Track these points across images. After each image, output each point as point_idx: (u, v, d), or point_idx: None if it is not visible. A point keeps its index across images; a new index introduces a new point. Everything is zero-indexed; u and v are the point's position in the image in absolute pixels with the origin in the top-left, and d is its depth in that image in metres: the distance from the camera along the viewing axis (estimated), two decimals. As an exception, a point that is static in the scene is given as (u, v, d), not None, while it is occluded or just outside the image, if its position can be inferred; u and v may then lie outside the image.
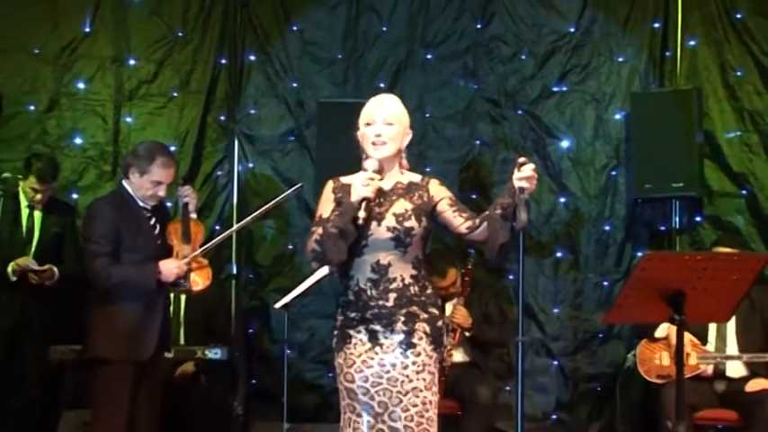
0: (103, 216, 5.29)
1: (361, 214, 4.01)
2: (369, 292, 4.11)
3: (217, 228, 7.17)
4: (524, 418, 3.99)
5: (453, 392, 6.20)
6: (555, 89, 7.15)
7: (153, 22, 7.38)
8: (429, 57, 7.30)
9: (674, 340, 5.65)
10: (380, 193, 4.15)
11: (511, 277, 7.01)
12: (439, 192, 4.21)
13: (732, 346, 6.05)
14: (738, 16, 6.82)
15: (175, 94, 7.35)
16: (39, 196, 6.39)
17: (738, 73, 6.81)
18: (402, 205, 4.14)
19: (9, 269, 6.19)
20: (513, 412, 6.53)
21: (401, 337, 4.09)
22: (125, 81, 7.32)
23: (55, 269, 6.28)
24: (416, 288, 4.13)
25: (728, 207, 6.79)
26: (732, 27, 6.84)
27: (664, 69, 7.02)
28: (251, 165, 7.39)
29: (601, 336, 6.97)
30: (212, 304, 6.68)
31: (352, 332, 4.15)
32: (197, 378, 6.37)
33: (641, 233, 6.99)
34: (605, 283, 7.01)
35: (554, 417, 6.98)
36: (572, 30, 7.15)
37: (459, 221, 4.14)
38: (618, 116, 7.06)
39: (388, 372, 4.08)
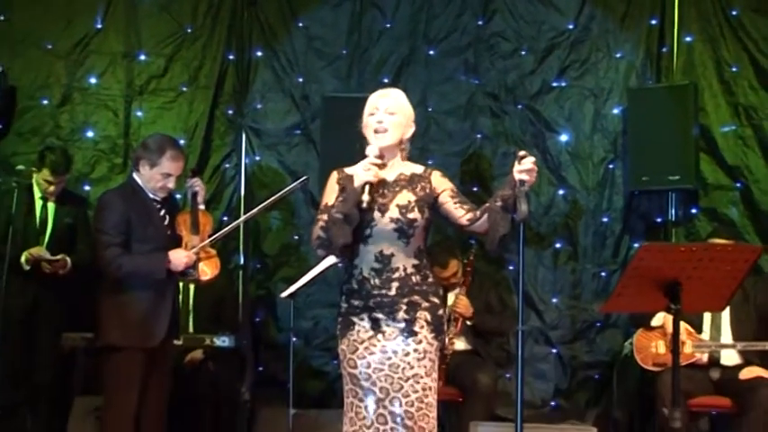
0: (114, 207, 5.30)
1: (365, 198, 4.02)
2: (372, 281, 4.11)
3: (225, 219, 7.18)
4: (524, 405, 3.98)
5: (455, 380, 6.21)
6: (554, 84, 7.13)
7: (163, 18, 7.38)
8: (431, 53, 7.29)
9: (669, 329, 5.63)
10: (384, 183, 4.15)
11: (511, 268, 7.00)
12: (441, 183, 4.20)
13: (726, 335, 6.04)
14: (734, 13, 6.79)
15: (185, 89, 7.35)
16: (52, 188, 6.40)
17: (733, 68, 6.78)
18: (405, 197, 4.13)
19: (23, 259, 6.20)
20: (512, 399, 6.53)
21: (403, 325, 4.09)
22: (136, 76, 7.33)
23: (68, 259, 6.29)
24: (418, 277, 4.14)
25: (723, 199, 6.77)
26: (727, 23, 6.81)
27: (660, 65, 6.99)
28: (258, 158, 7.38)
29: (598, 325, 6.96)
30: (220, 293, 6.68)
31: (355, 319, 4.15)
32: (205, 365, 6.37)
33: (638, 225, 6.97)
34: (603, 274, 7.00)
35: (553, 403, 6.97)
36: (571, 26, 7.13)
37: (461, 213, 4.14)
38: (615, 111, 7.03)
39: (389, 358, 4.08)
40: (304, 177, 6.08)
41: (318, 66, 7.38)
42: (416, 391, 4.06)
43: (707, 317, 6.06)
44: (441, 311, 4.19)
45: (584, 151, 7.07)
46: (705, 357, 5.99)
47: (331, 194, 4.21)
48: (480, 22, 7.24)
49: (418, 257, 4.16)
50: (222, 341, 6.22)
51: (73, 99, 7.26)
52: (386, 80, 7.11)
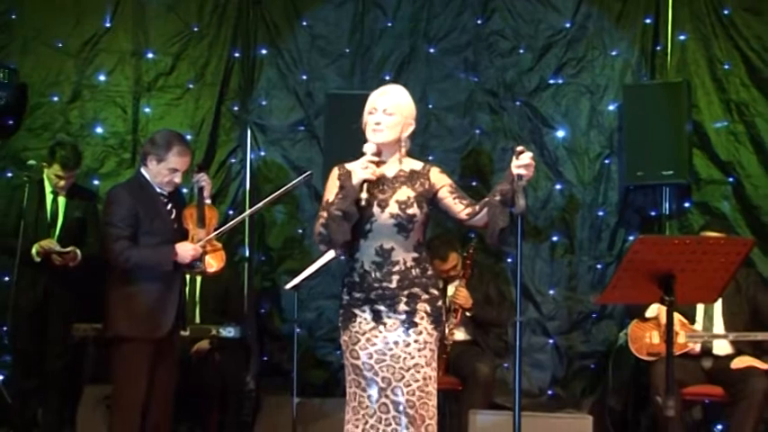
0: (123, 201, 5.28)
1: (363, 196, 4.03)
2: (373, 275, 4.12)
3: (230, 213, 7.17)
4: (522, 394, 3.98)
5: (455, 369, 6.20)
6: (551, 81, 7.11)
7: (170, 17, 7.37)
8: (432, 51, 7.27)
9: (663, 320, 5.63)
10: (384, 180, 4.15)
11: (509, 260, 7.00)
12: (440, 179, 4.20)
13: (719, 326, 6.03)
14: (726, 12, 6.77)
15: (191, 86, 7.34)
16: (62, 183, 6.40)
17: (726, 66, 6.76)
18: (405, 192, 4.13)
19: (33, 251, 6.20)
20: (510, 387, 6.55)
21: (403, 316, 4.10)
22: (143, 73, 7.32)
23: (78, 251, 6.29)
24: (418, 270, 4.14)
25: (716, 194, 6.76)
26: (720, 22, 6.80)
27: (655, 63, 6.98)
28: (263, 153, 7.37)
29: (594, 316, 6.95)
30: (226, 285, 6.68)
31: (357, 311, 4.16)
32: (212, 355, 6.36)
33: (633, 218, 6.96)
34: (599, 266, 6.99)
35: (550, 392, 6.96)
36: (568, 25, 7.10)
37: (460, 208, 4.14)
38: (611, 107, 7.02)
39: (391, 349, 4.09)
40: (308, 172, 6.06)
41: (322, 63, 7.36)
42: (417, 381, 4.07)
43: (700, 308, 6.05)
44: (440, 303, 4.21)
45: (581, 147, 7.05)
46: (698, 347, 5.99)
47: (332, 190, 4.21)
48: (479, 21, 7.22)
49: (417, 251, 4.17)
50: (228, 332, 6.22)
51: (83, 96, 7.27)
52: (387, 78, 7.09)
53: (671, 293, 4.09)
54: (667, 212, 6.79)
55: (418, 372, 4.07)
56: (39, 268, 6.26)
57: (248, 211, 6.24)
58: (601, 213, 7.00)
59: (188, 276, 6.03)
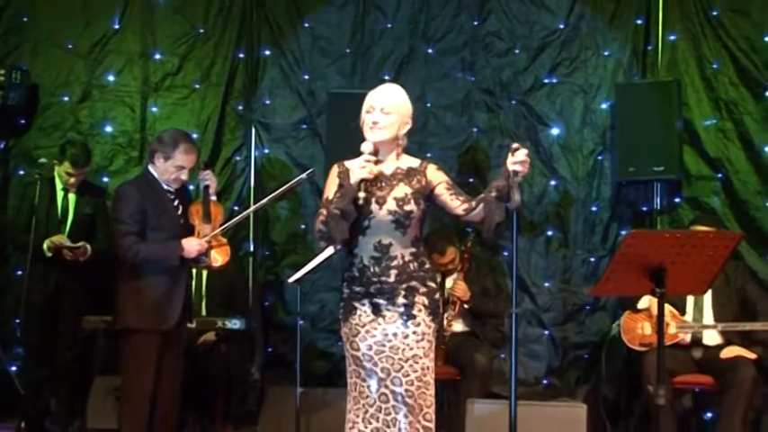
0: (131, 198, 5.28)
1: (361, 194, 4.04)
2: (372, 269, 4.11)
3: (235, 209, 7.15)
4: (518, 383, 3.98)
5: (453, 359, 6.20)
6: (546, 81, 7.10)
7: (177, 19, 7.36)
8: (430, 51, 7.25)
9: (655, 311, 5.62)
10: (382, 177, 4.15)
11: (505, 254, 6.99)
12: (436, 176, 4.20)
13: (708, 317, 6.02)
14: (714, 13, 6.75)
15: (197, 86, 7.33)
16: (72, 180, 6.40)
17: (714, 65, 6.75)
18: (402, 189, 4.13)
19: (45, 246, 6.20)
20: (507, 377, 6.53)
21: (402, 309, 4.10)
22: (151, 74, 7.31)
23: (88, 246, 6.28)
24: (415, 264, 4.14)
25: (705, 189, 6.74)
26: (709, 23, 6.78)
27: (646, 62, 6.96)
28: (266, 151, 7.36)
29: (588, 308, 6.94)
30: (231, 279, 6.66)
31: (356, 304, 4.16)
32: (217, 346, 6.35)
33: (625, 213, 6.95)
34: (592, 260, 6.97)
35: (545, 381, 6.95)
36: (561, 26, 7.09)
37: (457, 204, 4.14)
38: (604, 105, 7.00)
39: (390, 341, 4.09)
40: (310, 170, 6.06)
41: (323, 64, 7.35)
42: (416, 371, 4.07)
43: (690, 299, 6.04)
44: (437, 295, 4.20)
45: (575, 144, 7.04)
46: (688, 338, 5.98)
47: (332, 187, 4.21)
48: (476, 23, 7.20)
49: (415, 246, 4.16)
50: (233, 324, 6.21)
51: (92, 96, 7.27)
52: (387, 77, 7.07)
53: (662, 286, 4.08)
54: (658, 207, 6.78)
55: (416, 362, 4.07)
56: (50, 263, 6.25)
57: (253, 208, 6.24)
58: (594, 208, 6.99)
59: (194, 270, 6.02)
